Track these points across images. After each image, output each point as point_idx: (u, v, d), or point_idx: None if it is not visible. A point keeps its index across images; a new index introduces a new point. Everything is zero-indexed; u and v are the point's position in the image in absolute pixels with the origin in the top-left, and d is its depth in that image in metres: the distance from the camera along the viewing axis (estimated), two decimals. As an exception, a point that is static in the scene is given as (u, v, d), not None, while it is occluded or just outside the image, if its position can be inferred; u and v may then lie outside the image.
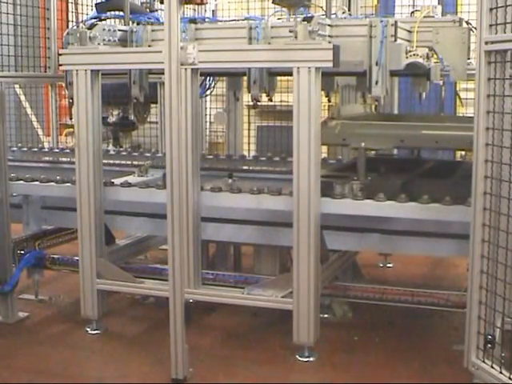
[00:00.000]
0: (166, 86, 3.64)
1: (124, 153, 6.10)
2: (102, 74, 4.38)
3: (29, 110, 9.32)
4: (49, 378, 3.98)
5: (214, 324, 4.81)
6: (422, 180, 4.35)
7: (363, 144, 4.16)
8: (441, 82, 5.07)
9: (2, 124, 4.67)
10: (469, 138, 3.41)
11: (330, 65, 3.75)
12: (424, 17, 4.33)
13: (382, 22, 3.90)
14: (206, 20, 4.77)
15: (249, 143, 7.53)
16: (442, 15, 4.67)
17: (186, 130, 3.99)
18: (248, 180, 4.87)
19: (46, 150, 6.42)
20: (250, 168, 5.49)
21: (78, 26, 5.01)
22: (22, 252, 4.98)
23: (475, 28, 3.41)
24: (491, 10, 3.20)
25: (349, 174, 4.30)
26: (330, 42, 3.89)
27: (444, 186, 4.13)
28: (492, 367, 3.34)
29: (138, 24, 4.79)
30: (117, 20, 5.05)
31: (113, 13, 4.89)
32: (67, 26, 6.06)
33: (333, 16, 4.51)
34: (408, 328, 4.69)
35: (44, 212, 5.22)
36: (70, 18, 6.53)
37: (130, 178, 4.78)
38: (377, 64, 3.89)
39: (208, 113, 7.78)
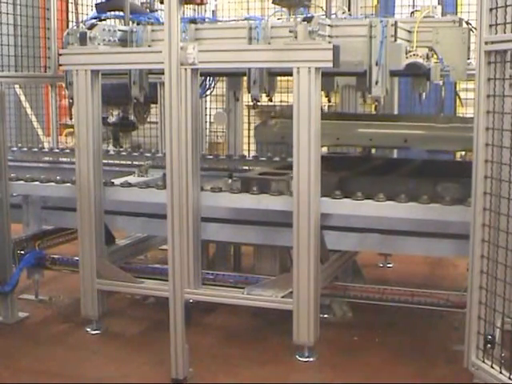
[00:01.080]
0: (166, 86, 3.64)
1: (124, 153, 6.10)
2: (102, 74, 4.38)
3: (29, 110, 9.32)
4: (49, 378, 3.98)
5: (214, 324, 4.81)
6: (359, 177, 4.40)
7: None
8: (441, 82, 5.06)
9: (2, 124, 4.67)
10: (402, 135, 3.46)
11: (330, 65, 3.75)
12: (424, 17, 4.33)
13: (381, 22, 3.91)
14: (206, 20, 4.77)
15: (249, 143, 7.52)
16: (442, 15, 4.67)
17: (186, 130, 3.99)
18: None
19: (46, 150, 6.42)
20: (251, 168, 5.49)
21: (77, 26, 5.02)
22: (22, 252, 4.98)
23: (475, 28, 3.41)
24: (491, 10, 3.20)
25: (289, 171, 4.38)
26: (330, 42, 3.89)
27: (378, 184, 4.20)
28: (492, 367, 3.34)
29: (138, 24, 4.79)
30: (117, 20, 5.05)
31: (113, 13, 4.89)
32: (67, 26, 6.06)
33: (333, 16, 4.51)
34: (408, 328, 4.69)
35: (44, 212, 5.22)
36: (70, 18, 6.52)
37: (130, 178, 4.78)
38: (377, 64, 3.89)
39: (208, 113, 7.77)
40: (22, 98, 9.32)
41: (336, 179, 4.23)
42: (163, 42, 3.62)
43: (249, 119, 7.61)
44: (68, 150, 6.13)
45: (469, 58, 4.20)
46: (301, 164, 3.88)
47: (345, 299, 4.61)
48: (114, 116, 5.96)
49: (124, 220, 4.90)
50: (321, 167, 3.94)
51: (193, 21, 4.46)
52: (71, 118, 5.16)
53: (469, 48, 4.16)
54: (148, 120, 5.54)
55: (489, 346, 3.37)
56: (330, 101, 5.18)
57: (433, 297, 4.28)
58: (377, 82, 3.91)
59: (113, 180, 4.60)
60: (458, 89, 6.84)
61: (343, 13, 5.05)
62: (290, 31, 3.86)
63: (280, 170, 4.57)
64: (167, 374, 3.84)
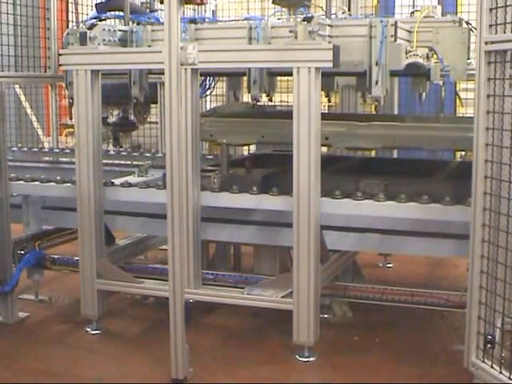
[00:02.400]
0: (166, 86, 3.64)
1: (124, 153, 6.10)
2: (102, 74, 4.38)
3: (29, 110, 9.32)
4: (49, 378, 3.98)
5: (214, 324, 4.81)
6: (283, 174, 4.41)
7: (225, 140, 4.41)
8: (441, 82, 5.06)
9: (2, 124, 4.67)
10: (323, 134, 3.53)
11: (330, 65, 3.75)
12: (424, 17, 4.32)
13: (381, 22, 3.90)
14: (206, 20, 4.76)
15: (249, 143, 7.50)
16: (442, 15, 4.67)
17: (186, 130, 3.99)
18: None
19: (46, 150, 6.42)
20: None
21: (77, 26, 5.01)
22: (22, 252, 4.99)
23: (475, 28, 3.41)
24: (491, 10, 3.20)
25: (217, 168, 4.55)
26: (330, 42, 3.89)
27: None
28: (492, 367, 3.34)
29: (138, 24, 4.79)
30: (117, 20, 5.05)
31: (113, 13, 4.88)
32: (67, 26, 6.06)
33: (333, 16, 4.51)
34: (408, 328, 4.69)
35: (44, 212, 5.22)
36: (70, 18, 6.52)
37: (130, 178, 4.78)
38: (377, 64, 3.89)
39: (208, 113, 7.76)
40: (22, 97, 9.32)
41: (259, 176, 4.35)
42: (163, 42, 3.62)
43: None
44: (68, 150, 6.13)
45: (469, 58, 4.20)
46: (301, 164, 3.88)
47: (345, 299, 4.61)
48: (114, 116, 5.97)
49: (124, 220, 4.90)
50: (251, 165, 4.09)
51: (193, 21, 4.46)
52: (71, 118, 5.17)
53: (469, 48, 4.16)
54: (148, 120, 5.54)
55: (489, 345, 3.37)
56: (330, 101, 5.19)
57: (433, 297, 4.28)
58: (377, 82, 3.91)
59: (113, 180, 4.60)
60: (458, 89, 6.84)
61: (343, 13, 5.05)
62: (290, 31, 3.86)
63: (212, 167, 4.70)
64: (167, 373, 3.84)
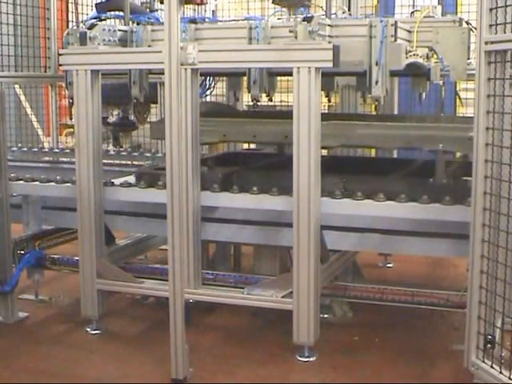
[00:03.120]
0: (166, 86, 3.64)
1: (124, 153, 6.09)
2: (102, 74, 4.38)
3: (29, 110, 9.31)
4: (49, 378, 3.98)
5: (214, 324, 4.81)
6: (244, 172, 4.53)
7: None
8: (441, 82, 5.06)
9: (2, 124, 4.67)
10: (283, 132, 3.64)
11: (330, 65, 3.75)
12: (424, 17, 4.32)
13: (381, 21, 3.90)
14: (206, 20, 4.76)
15: (249, 143, 7.51)
16: (442, 15, 4.67)
17: (186, 131, 3.99)
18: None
19: (46, 150, 6.42)
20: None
21: (77, 26, 5.01)
22: (22, 252, 4.98)
23: (475, 28, 3.41)
24: (491, 10, 3.20)
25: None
26: (330, 42, 3.89)
27: (258, 177, 4.39)
28: (492, 367, 3.34)
29: (138, 24, 4.79)
30: (117, 20, 5.05)
31: (113, 13, 4.88)
32: (67, 26, 6.07)
33: (333, 16, 4.50)
34: (408, 328, 4.69)
35: (44, 212, 5.22)
36: (70, 18, 6.53)
37: (130, 178, 4.78)
38: (377, 64, 3.89)
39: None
40: (22, 98, 9.31)
41: (219, 174, 4.42)
42: (163, 42, 3.62)
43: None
44: (68, 150, 6.13)
45: (469, 58, 4.20)
46: (301, 164, 3.88)
47: (345, 299, 4.62)
48: (113, 116, 5.96)
49: (124, 220, 4.91)
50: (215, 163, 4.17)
51: (193, 21, 4.46)
52: (71, 118, 5.16)
53: (469, 48, 4.16)
54: (148, 120, 5.54)
55: (489, 345, 3.37)
56: (330, 101, 5.18)
57: (433, 297, 4.28)
58: (377, 82, 3.91)
59: (113, 180, 4.60)
60: (458, 89, 6.84)
61: (343, 13, 5.05)
62: (290, 31, 3.86)
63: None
64: (167, 373, 3.84)
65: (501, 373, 3.27)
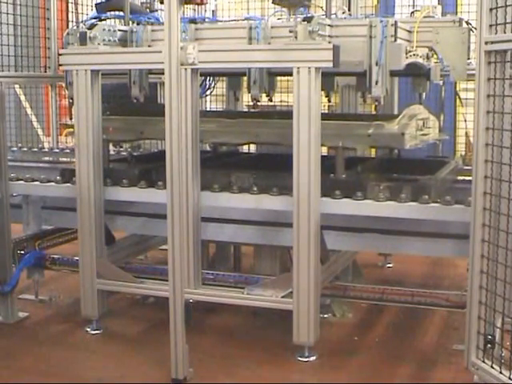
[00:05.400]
0: (166, 86, 3.64)
1: (124, 153, 6.09)
2: (102, 74, 4.38)
3: (29, 110, 9.30)
4: (49, 378, 3.98)
5: (214, 324, 4.81)
6: (161, 169, 4.47)
7: (104, 136, 4.54)
8: (441, 82, 5.06)
9: (1, 124, 4.67)
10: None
11: (330, 65, 3.75)
12: (424, 17, 4.33)
13: (381, 21, 3.90)
14: (206, 20, 4.76)
15: (249, 143, 7.50)
16: (442, 15, 4.67)
17: (186, 130, 3.99)
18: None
19: (46, 150, 6.42)
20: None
21: (77, 26, 5.01)
22: (22, 252, 4.98)
23: (475, 28, 3.41)
24: (491, 10, 3.19)
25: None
26: (330, 42, 3.89)
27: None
28: (492, 367, 3.33)
29: (138, 24, 4.79)
30: (117, 20, 5.05)
31: (113, 13, 4.88)
32: (67, 26, 6.06)
33: (333, 16, 4.50)
34: (408, 328, 4.69)
35: (44, 212, 5.22)
36: (70, 18, 6.53)
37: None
38: (377, 64, 3.89)
39: (208, 113, 7.76)
40: (22, 97, 9.31)
41: (137, 170, 4.57)
42: (163, 41, 3.62)
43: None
44: (68, 150, 6.13)
45: (469, 58, 4.20)
46: (301, 164, 3.88)
47: (345, 299, 4.61)
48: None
49: (124, 220, 4.91)
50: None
51: (193, 21, 4.46)
52: (71, 118, 5.16)
53: (469, 48, 4.17)
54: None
55: (489, 345, 3.37)
56: (330, 101, 5.18)
57: (433, 297, 4.28)
58: (377, 82, 3.91)
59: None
60: (458, 89, 6.84)
61: (343, 13, 5.05)
62: (290, 31, 3.86)
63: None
64: (167, 374, 3.84)
65: (501, 373, 3.27)
